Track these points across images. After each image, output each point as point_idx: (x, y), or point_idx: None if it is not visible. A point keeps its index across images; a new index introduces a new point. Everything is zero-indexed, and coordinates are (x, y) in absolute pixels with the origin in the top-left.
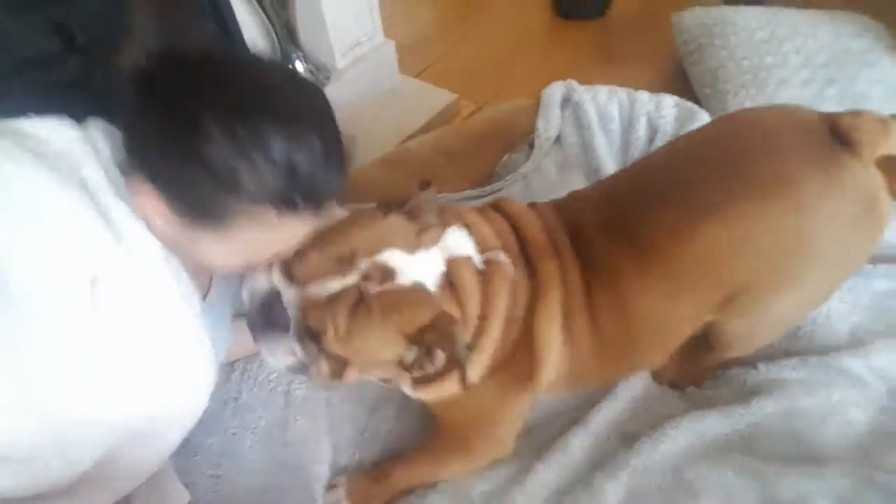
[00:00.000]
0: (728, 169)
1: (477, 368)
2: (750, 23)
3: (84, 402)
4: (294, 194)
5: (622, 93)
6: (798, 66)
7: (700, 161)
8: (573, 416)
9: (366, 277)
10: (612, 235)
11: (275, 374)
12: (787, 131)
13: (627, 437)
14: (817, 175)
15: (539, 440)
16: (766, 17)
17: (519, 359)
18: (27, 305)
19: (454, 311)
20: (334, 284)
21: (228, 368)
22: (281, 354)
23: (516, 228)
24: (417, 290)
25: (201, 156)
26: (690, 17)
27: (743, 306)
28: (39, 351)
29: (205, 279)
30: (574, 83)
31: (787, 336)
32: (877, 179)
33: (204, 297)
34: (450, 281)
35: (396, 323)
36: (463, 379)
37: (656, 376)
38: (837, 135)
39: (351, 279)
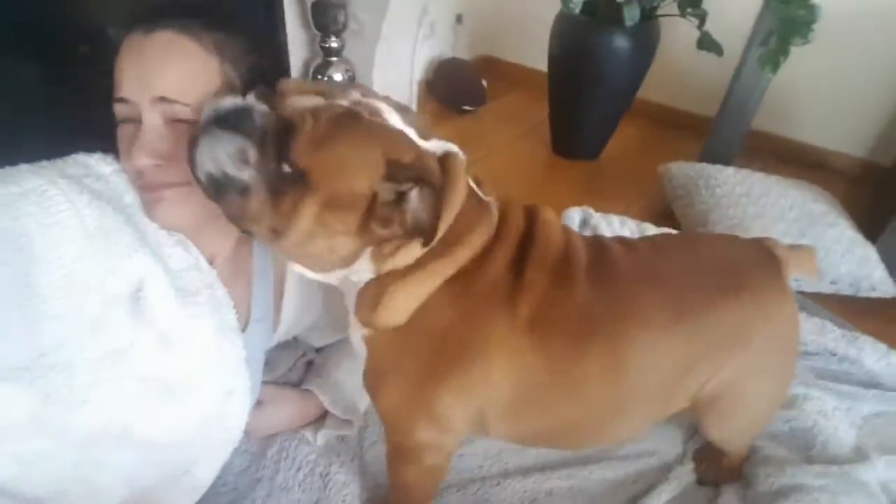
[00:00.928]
0: (713, 269)
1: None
2: (729, 178)
3: (110, 416)
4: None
5: (631, 222)
6: (775, 219)
7: (692, 259)
8: None
9: (354, 103)
10: (636, 283)
11: (314, 455)
12: (746, 249)
13: None
14: (775, 285)
15: None
16: (740, 176)
17: (455, 345)
18: (56, 311)
19: None
20: (317, 101)
21: (264, 444)
22: (223, 154)
23: (532, 229)
24: (404, 133)
25: None
26: (677, 168)
27: (712, 402)
28: (66, 358)
29: (243, 310)
30: (590, 209)
31: (804, 447)
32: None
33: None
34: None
35: (383, 143)
36: (429, 236)
37: (701, 480)
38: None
39: (338, 100)
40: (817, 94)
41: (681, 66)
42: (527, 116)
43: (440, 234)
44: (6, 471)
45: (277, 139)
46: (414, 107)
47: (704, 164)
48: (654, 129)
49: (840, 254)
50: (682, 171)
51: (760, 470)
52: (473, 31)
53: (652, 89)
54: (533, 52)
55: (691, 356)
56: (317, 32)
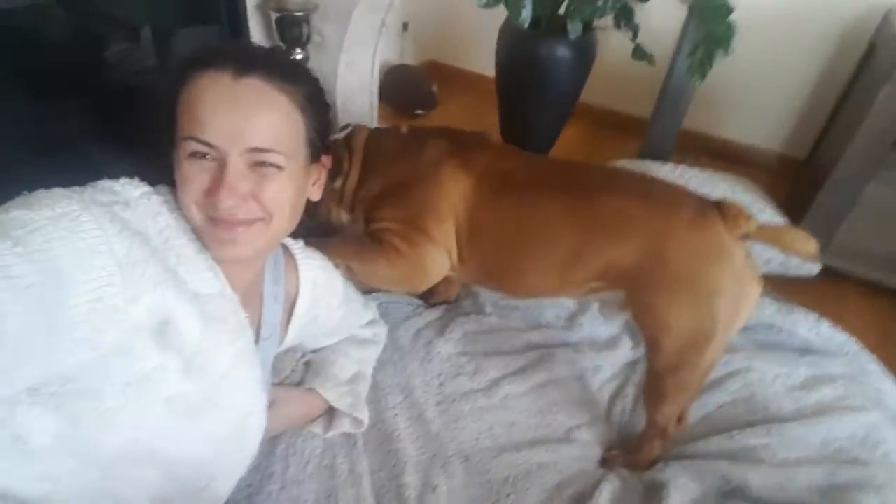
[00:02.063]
0: (645, 184)
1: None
2: (668, 174)
3: (136, 437)
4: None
5: None
6: None
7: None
8: None
9: None
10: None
11: (319, 450)
12: (690, 194)
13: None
14: (695, 212)
15: None
16: (679, 171)
17: (417, 191)
18: (80, 336)
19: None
20: None
21: (272, 443)
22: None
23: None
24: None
25: None
26: (622, 165)
27: (633, 297)
28: (94, 383)
29: (253, 331)
30: None
31: (748, 413)
32: (739, 247)
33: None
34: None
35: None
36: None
37: (605, 464)
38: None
39: None
40: (739, 96)
41: (617, 72)
42: (477, 119)
43: (357, 160)
44: (35, 490)
45: None
46: (375, 111)
47: (647, 161)
48: (596, 130)
49: None
50: (628, 167)
51: (710, 439)
52: (419, 38)
53: (592, 93)
54: (477, 57)
55: (583, 232)
56: (281, 45)
